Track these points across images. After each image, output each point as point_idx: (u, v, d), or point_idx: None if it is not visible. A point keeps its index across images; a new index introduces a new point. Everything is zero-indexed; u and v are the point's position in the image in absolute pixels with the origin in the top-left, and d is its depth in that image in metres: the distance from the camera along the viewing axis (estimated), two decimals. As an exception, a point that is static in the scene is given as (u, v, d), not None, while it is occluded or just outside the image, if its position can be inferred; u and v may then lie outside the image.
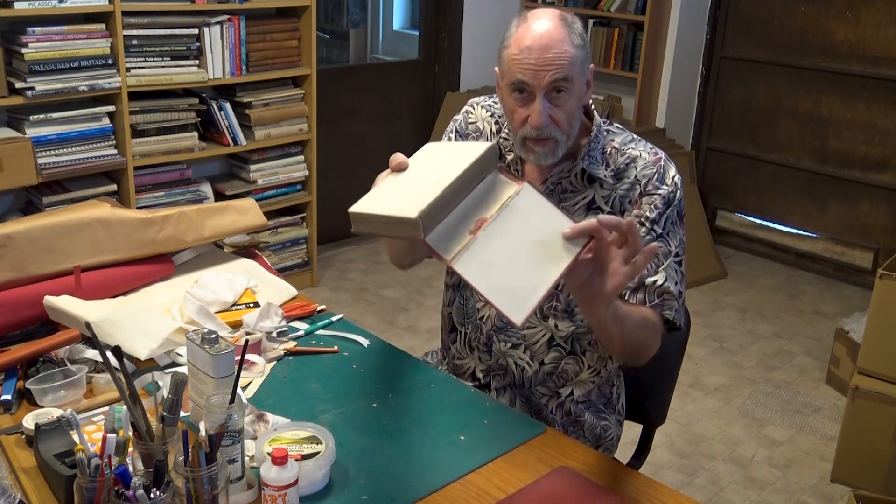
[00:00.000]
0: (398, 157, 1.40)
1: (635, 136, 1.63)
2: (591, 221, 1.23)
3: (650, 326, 1.50)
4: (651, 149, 1.60)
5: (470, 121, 1.75)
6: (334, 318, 1.87)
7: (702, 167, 4.93)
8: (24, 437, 1.38)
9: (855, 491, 2.28)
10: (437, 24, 4.78)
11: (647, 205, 1.54)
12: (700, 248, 4.42)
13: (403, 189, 1.30)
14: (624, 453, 1.84)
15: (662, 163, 1.57)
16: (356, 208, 1.29)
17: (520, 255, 1.24)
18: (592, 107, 1.63)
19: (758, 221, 4.81)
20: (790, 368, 3.56)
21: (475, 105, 1.76)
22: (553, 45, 1.46)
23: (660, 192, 1.54)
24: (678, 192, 1.56)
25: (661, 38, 4.58)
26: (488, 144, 1.34)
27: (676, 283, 1.55)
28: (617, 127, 1.65)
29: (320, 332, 1.81)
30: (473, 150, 1.32)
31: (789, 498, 2.72)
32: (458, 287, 1.78)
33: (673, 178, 1.56)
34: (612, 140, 1.61)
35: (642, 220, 1.54)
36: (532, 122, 1.50)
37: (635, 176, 1.56)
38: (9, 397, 1.48)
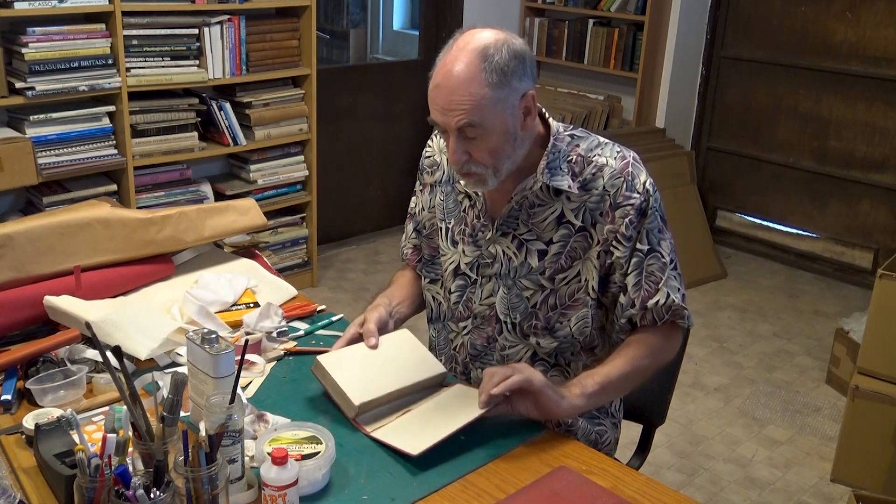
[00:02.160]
0: (372, 337, 1.57)
1: (601, 140, 1.57)
2: (494, 390, 1.40)
3: (648, 355, 1.55)
4: (618, 153, 1.54)
5: (426, 156, 1.76)
6: (334, 318, 1.87)
7: (702, 167, 4.93)
8: (24, 437, 1.38)
9: (855, 491, 2.28)
10: (437, 24, 4.78)
11: (621, 219, 1.50)
12: (700, 248, 4.42)
13: (362, 371, 1.51)
14: (624, 453, 1.84)
15: (630, 169, 1.52)
16: (324, 360, 1.51)
17: (431, 423, 1.44)
18: (548, 116, 1.57)
19: (758, 221, 4.81)
20: (790, 368, 3.56)
21: (434, 136, 1.75)
22: (459, 88, 1.40)
23: (631, 202, 1.50)
24: (651, 197, 1.51)
25: (661, 38, 4.58)
26: (443, 371, 1.57)
27: (678, 290, 1.54)
28: (582, 131, 1.59)
29: (320, 332, 1.82)
30: (429, 369, 1.56)
31: (789, 498, 2.72)
32: (430, 320, 1.78)
33: (644, 183, 1.51)
34: (577, 146, 1.55)
35: (618, 236, 1.51)
36: (449, 159, 1.49)
37: (603, 186, 1.51)
38: (9, 397, 1.48)
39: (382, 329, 1.63)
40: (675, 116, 4.74)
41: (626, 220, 1.50)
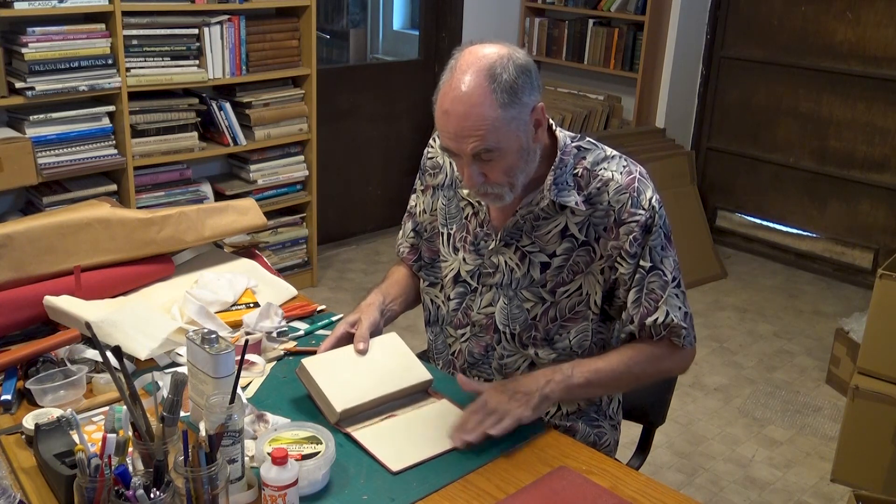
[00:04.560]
0: (362, 342, 1.55)
1: (609, 153, 1.55)
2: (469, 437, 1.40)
3: (645, 360, 1.54)
4: (625, 167, 1.52)
5: (429, 156, 1.74)
6: (334, 318, 1.87)
7: (702, 167, 4.93)
8: (24, 437, 1.38)
9: (855, 491, 2.28)
10: (437, 24, 4.78)
11: (626, 235, 1.49)
12: (700, 248, 4.42)
13: (347, 376, 1.50)
14: (624, 453, 1.84)
15: (636, 185, 1.49)
16: (308, 364, 1.50)
17: (415, 439, 1.43)
18: (556, 128, 1.54)
19: (758, 221, 4.81)
20: (790, 368, 3.56)
21: (436, 138, 1.71)
22: (470, 113, 1.36)
23: (636, 218, 1.48)
24: (657, 213, 1.49)
25: (661, 38, 4.58)
26: (429, 378, 1.54)
27: (680, 308, 1.53)
28: (589, 142, 1.56)
29: (320, 332, 1.82)
30: (415, 376, 1.54)
31: (789, 498, 2.72)
32: (428, 323, 1.77)
33: (650, 199, 1.49)
34: (584, 159, 1.53)
35: (622, 253, 1.50)
36: (465, 185, 1.48)
37: (608, 202, 1.49)
38: (9, 397, 1.48)
39: (374, 332, 1.62)
40: (675, 116, 4.74)
41: (631, 236, 1.48)
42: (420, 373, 1.56)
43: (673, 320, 1.52)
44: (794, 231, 4.67)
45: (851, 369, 2.93)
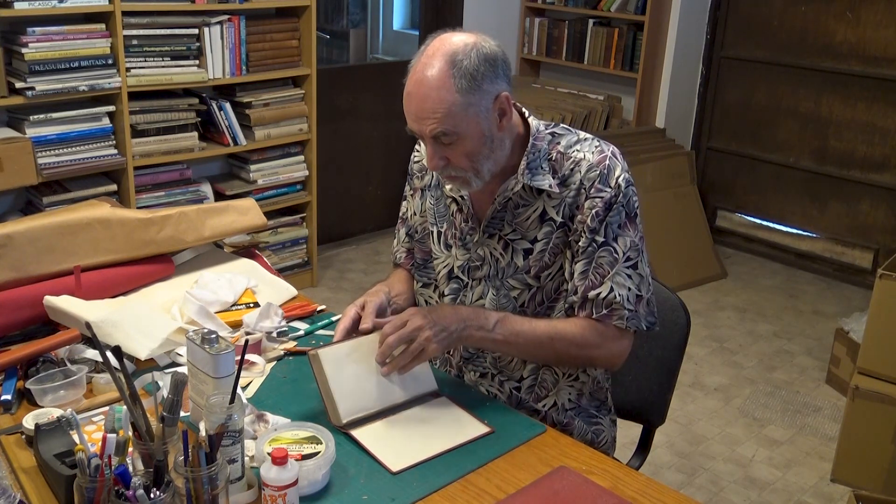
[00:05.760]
0: (367, 321, 1.54)
1: (581, 136, 1.57)
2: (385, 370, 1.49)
3: (570, 342, 1.52)
4: (597, 147, 1.54)
5: (415, 160, 1.76)
6: (334, 318, 1.87)
7: (702, 167, 4.93)
8: (24, 437, 1.38)
9: (855, 491, 2.28)
10: (437, 24, 4.77)
11: (589, 210, 1.51)
12: (700, 248, 4.42)
13: (357, 380, 1.48)
14: (624, 453, 1.84)
15: (608, 162, 1.51)
16: (323, 356, 1.47)
17: (414, 438, 1.43)
18: (528, 115, 1.57)
19: (758, 221, 4.81)
20: (790, 368, 3.56)
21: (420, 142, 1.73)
22: (430, 96, 1.40)
23: (601, 195, 1.50)
24: (622, 192, 1.50)
25: (661, 38, 4.58)
26: (435, 388, 1.55)
27: (629, 289, 1.52)
28: (563, 128, 1.59)
29: (320, 332, 1.82)
30: (423, 384, 1.54)
31: (789, 498, 2.72)
32: None
33: (617, 178, 1.51)
34: (558, 144, 1.55)
35: (585, 228, 1.51)
36: (427, 165, 1.50)
37: (580, 180, 1.52)
38: (9, 397, 1.48)
39: (380, 314, 1.60)
40: (675, 116, 4.74)
41: (593, 211, 1.50)
42: (429, 382, 1.55)
43: (616, 297, 1.51)
44: (794, 231, 4.67)
45: (851, 369, 2.93)
